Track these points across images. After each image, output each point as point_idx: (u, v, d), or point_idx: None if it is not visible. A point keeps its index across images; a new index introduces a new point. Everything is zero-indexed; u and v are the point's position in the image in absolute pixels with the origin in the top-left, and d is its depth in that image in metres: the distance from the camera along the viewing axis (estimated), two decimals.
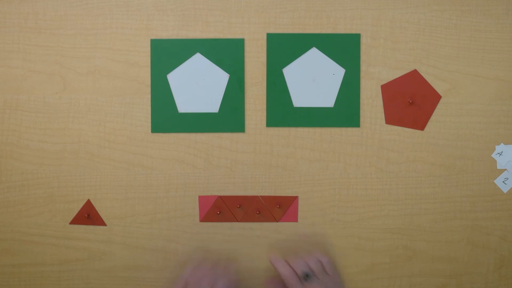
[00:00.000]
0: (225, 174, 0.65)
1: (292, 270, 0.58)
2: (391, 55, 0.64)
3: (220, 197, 0.65)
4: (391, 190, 0.64)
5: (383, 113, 0.64)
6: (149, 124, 0.64)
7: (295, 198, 0.64)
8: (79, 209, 0.65)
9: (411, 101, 0.64)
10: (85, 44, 0.64)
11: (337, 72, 0.64)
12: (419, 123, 0.64)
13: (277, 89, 0.64)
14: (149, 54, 0.64)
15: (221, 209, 0.65)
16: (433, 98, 0.64)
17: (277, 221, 0.65)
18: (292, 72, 0.64)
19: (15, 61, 0.64)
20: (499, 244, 0.64)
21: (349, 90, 0.64)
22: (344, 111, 0.64)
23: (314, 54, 0.64)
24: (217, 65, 0.64)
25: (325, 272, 0.59)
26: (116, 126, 0.64)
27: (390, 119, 0.64)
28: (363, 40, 0.64)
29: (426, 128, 0.64)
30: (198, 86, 0.64)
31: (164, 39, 0.64)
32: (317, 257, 0.60)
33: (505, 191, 0.64)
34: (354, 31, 0.64)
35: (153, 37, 0.64)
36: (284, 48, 0.64)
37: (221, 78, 0.64)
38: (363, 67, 0.64)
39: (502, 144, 0.64)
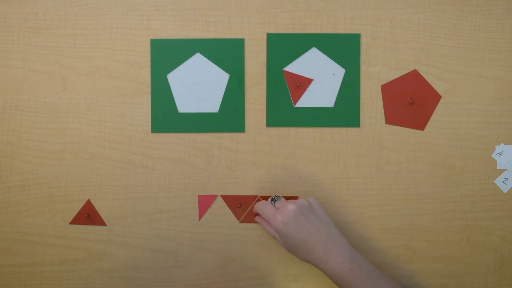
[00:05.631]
0: (225, 174, 0.65)
1: (264, 201, 0.61)
2: (391, 55, 0.64)
3: (220, 196, 0.65)
4: (391, 190, 0.64)
5: (383, 113, 0.64)
6: (149, 124, 0.64)
7: (295, 198, 0.64)
8: (79, 209, 0.65)
9: (411, 101, 0.64)
10: (85, 44, 0.64)
11: (337, 72, 0.64)
12: (419, 123, 0.64)
13: (277, 89, 0.64)
14: (149, 54, 0.64)
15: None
16: (433, 98, 0.64)
17: None
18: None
19: (15, 61, 0.64)
20: (499, 244, 0.64)
21: (349, 90, 0.64)
22: (344, 111, 0.64)
23: (314, 54, 0.64)
24: (217, 65, 0.64)
25: (312, 212, 0.58)
26: (116, 126, 0.64)
27: (390, 119, 0.64)
28: (363, 40, 0.64)
29: (426, 128, 0.64)
30: (198, 86, 0.64)
31: (164, 39, 0.64)
32: (304, 200, 0.59)
33: (505, 191, 0.64)
34: (354, 31, 0.64)
35: (153, 37, 0.64)
36: (284, 48, 0.64)
37: (221, 78, 0.64)
38: (363, 67, 0.64)
39: (502, 144, 0.64)
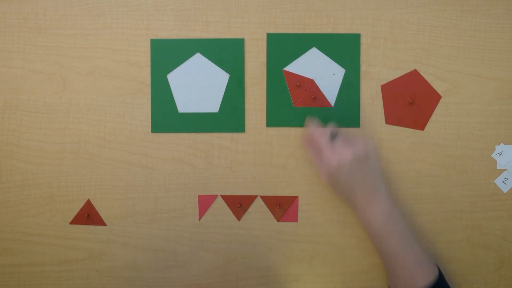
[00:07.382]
0: (225, 174, 0.65)
1: (322, 129, 0.60)
2: (391, 55, 0.64)
3: (220, 196, 0.65)
4: (391, 190, 0.64)
5: (383, 113, 0.64)
6: (149, 124, 0.64)
7: (295, 198, 0.64)
8: (79, 209, 0.65)
9: (411, 101, 0.64)
10: (85, 44, 0.64)
11: (337, 72, 0.64)
12: (419, 123, 0.64)
13: (277, 89, 0.64)
14: (149, 54, 0.64)
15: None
16: (433, 98, 0.64)
17: (277, 221, 0.65)
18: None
19: (15, 61, 0.64)
20: (499, 244, 0.64)
21: (349, 90, 0.64)
22: (344, 111, 0.64)
23: (314, 54, 0.64)
24: (217, 65, 0.64)
25: (366, 162, 0.58)
26: (116, 126, 0.64)
27: (390, 119, 0.64)
28: (363, 40, 0.64)
29: (426, 128, 0.64)
30: (198, 86, 0.64)
31: (164, 39, 0.64)
32: (362, 140, 0.59)
33: (505, 191, 0.64)
34: (354, 31, 0.64)
35: (153, 37, 0.64)
36: (284, 48, 0.64)
37: (221, 78, 0.64)
38: (363, 67, 0.64)
39: (502, 144, 0.64)
